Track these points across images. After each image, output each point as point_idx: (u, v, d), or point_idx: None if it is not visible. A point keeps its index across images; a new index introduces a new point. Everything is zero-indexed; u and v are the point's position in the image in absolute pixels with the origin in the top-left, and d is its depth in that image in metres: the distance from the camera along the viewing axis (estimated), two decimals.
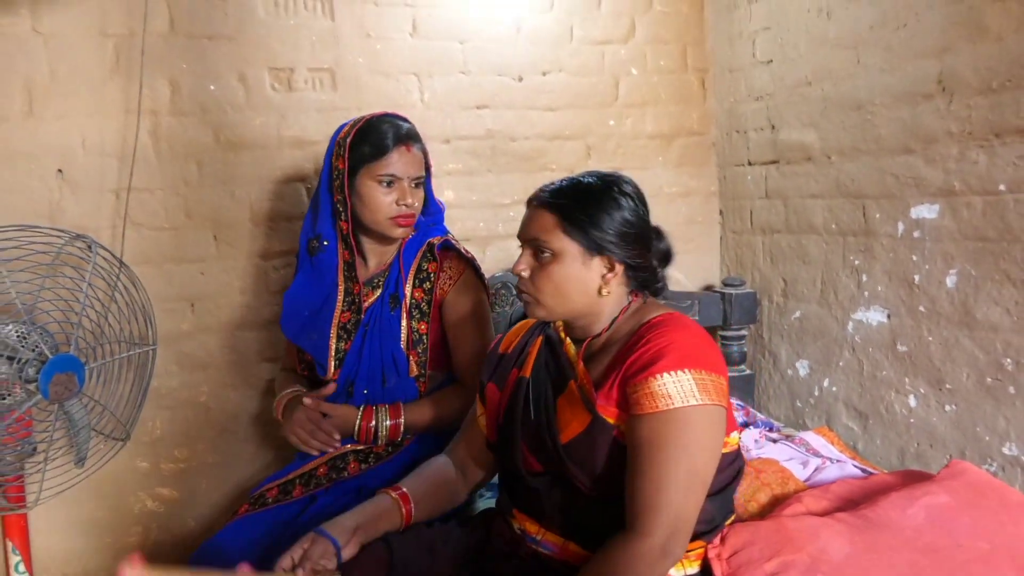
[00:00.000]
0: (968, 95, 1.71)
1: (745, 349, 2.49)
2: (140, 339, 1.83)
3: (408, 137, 1.68)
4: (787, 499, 1.53)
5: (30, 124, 1.94)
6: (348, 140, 1.66)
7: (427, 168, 1.75)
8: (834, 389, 2.18)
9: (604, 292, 1.31)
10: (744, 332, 2.48)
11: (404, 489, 1.43)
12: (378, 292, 1.72)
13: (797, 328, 2.32)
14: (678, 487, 1.16)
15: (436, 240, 1.74)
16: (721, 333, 2.48)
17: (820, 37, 2.12)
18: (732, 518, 1.37)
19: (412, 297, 1.70)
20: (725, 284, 2.49)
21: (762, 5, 2.35)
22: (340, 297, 1.70)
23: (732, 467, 1.35)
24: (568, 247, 1.28)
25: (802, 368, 2.31)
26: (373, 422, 1.66)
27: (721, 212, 2.64)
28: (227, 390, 2.18)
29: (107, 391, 1.78)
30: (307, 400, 1.67)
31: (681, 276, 2.58)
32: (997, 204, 1.67)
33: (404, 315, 1.69)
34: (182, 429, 2.15)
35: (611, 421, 1.25)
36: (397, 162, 1.65)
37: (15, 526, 1.76)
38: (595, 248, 1.29)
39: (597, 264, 1.30)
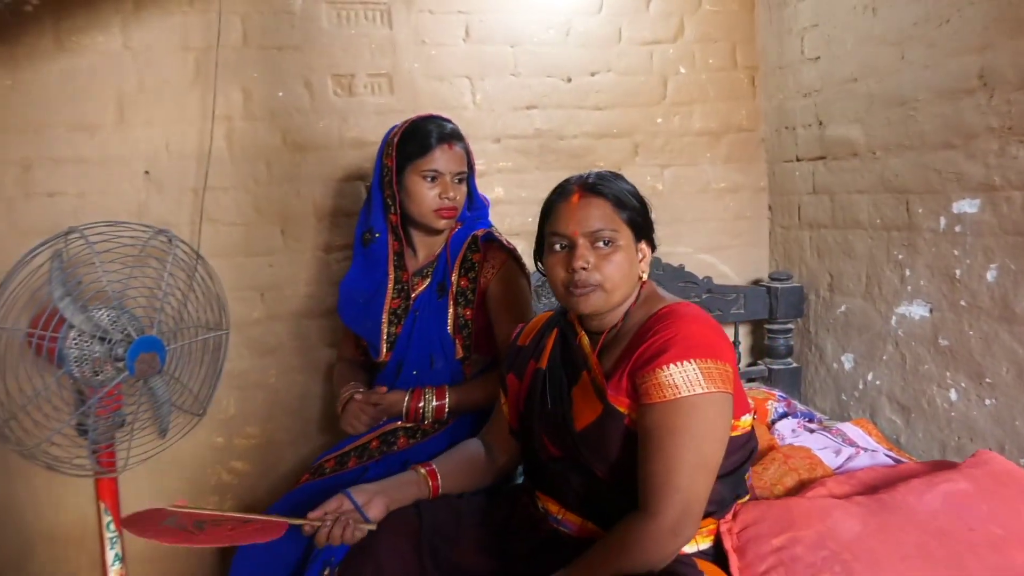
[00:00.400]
0: (1008, 91, 1.71)
1: (792, 343, 2.51)
2: (215, 325, 2.00)
3: (450, 136, 1.80)
4: (813, 483, 1.59)
5: (121, 131, 2.16)
6: (396, 140, 1.81)
7: (470, 166, 1.86)
8: (878, 383, 2.20)
9: (643, 276, 1.39)
10: (791, 326, 2.51)
11: (433, 465, 1.54)
12: (427, 281, 1.85)
13: (843, 322, 2.33)
14: (687, 471, 1.22)
15: (480, 233, 1.86)
16: (767, 327, 2.52)
17: (866, 34, 2.14)
18: (747, 498, 1.43)
19: (458, 285, 1.82)
20: (772, 278, 2.52)
21: (810, 2, 2.37)
22: (391, 285, 1.85)
23: (744, 449, 1.40)
24: (624, 232, 1.35)
25: (847, 362, 2.32)
26: (421, 403, 1.79)
27: (770, 207, 2.67)
28: (293, 373, 2.36)
29: (185, 370, 1.96)
30: (358, 396, 1.82)
31: (728, 270, 2.62)
32: None
33: (451, 302, 1.81)
34: (253, 408, 2.34)
35: (622, 410, 1.31)
36: (439, 159, 1.78)
37: (107, 489, 1.96)
38: (639, 232, 1.38)
39: (642, 248, 1.39)
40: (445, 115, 1.89)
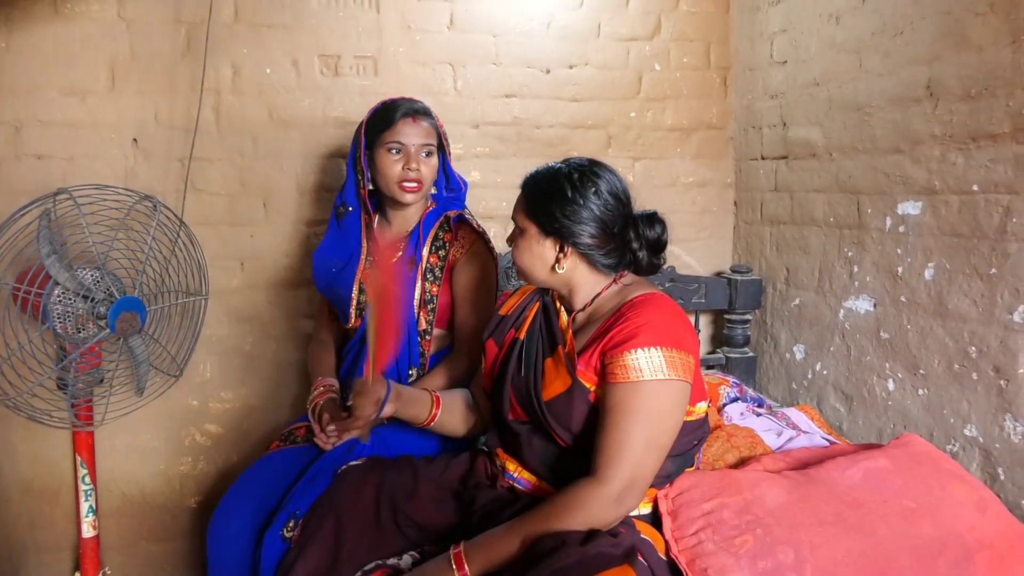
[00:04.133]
0: (951, 100, 1.83)
1: (749, 333, 2.63)
2: (195, 290, 2.09)
3: (415, 111, 1.89)
4: (751, 460, 1.70)
5: (112, 98, 2.23)
6: (367, 118, 1.91)
7: (442, 145, 1.95)
8: (825, 372, 2.32)
9: (558, 269, 1.49)
10: (749, 317, 2.63)
11: (439, 395, 1.69)
12: (398, 255, 1.94)
13: (796, 314, 2.46)
14: (638, 448, 1.33)
15: (453, 213, 1.95)
16: (727, 316, 2.64)
17: (829, 41, 2.25)
18: (690, 469, 1.55)
19: (428, 261, 1.92)
20: (733, 271, 2.64)
21: (781, 8, 2.48)
22: (363, 256, 1.94)
23: (696, 432, 1.51)
24: (529, 226, 1.50)
25: (799, 352, 2.45)
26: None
27: (735, 203, 2.79)
28: (270, 341, 2.44)
29: (164, 332, 2.05)
30: (330, 428, 1.80)
31: (692, 261, 2.73)
32: (970, 203, 1.79)
33: (419, 277, 1.91)
34: (229, 374, 2.43)
35: (588, 386, 1.42)
36: (403, 131, 1.86)
37: (84, 443, 2.05)
38: (547, 230, 1.48)
39: (550, 244, 1.48)
40: (426, 100, 1.98)
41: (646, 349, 1.35)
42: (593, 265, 1.50)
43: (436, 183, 1.99)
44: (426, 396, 1.68)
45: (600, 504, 1.31)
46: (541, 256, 1.50)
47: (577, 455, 1.45)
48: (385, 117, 1.88)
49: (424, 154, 1.89)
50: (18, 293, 1.81)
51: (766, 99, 2.57)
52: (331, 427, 1.80)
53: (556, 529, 1.30)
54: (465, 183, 2.07)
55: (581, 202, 1.45)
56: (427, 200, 1.99)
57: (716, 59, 2.71)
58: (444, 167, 1.98)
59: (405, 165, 1.86)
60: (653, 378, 1.34)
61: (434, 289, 1.91)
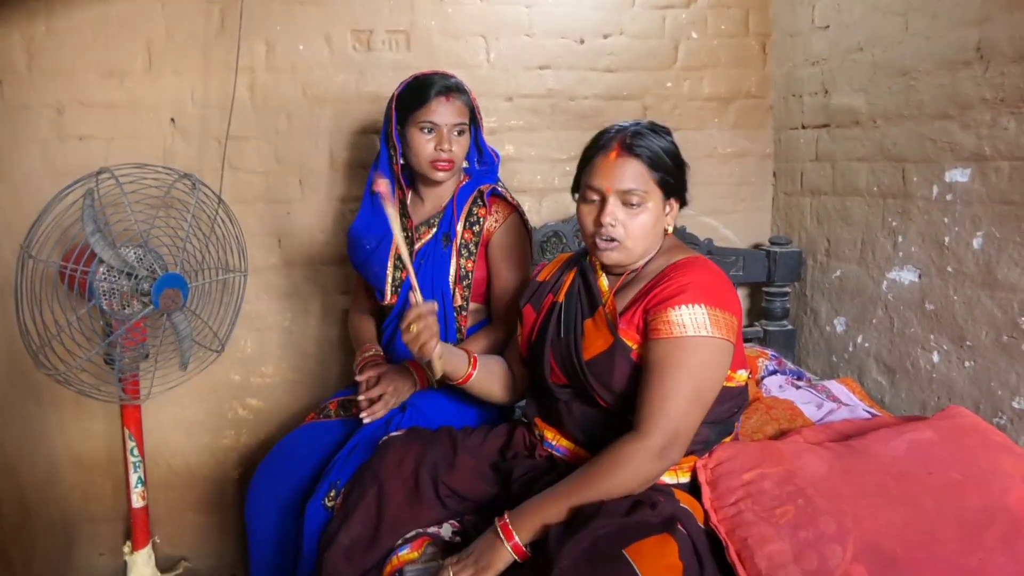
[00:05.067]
0: (1003, 63, 1.76)
1: (788, 305, 2.59)
2: (234, 267, 2.12)
3: (449, 89, 1.86)
4: (790, 432, 1.68)
5: (149, 78, 2.25)
6: (398, 93, 1.89)
7: (475, 120, 1.93)
8: (867, 345, 2.28)
9: (668, 230, 1.49)
10: (787, 289, 2.58)
11: (476, 355, 1.67)
12: (433, 231, 1.94)
13: (837, 287, 2.41)
14: (681, 402, 1.33)
15: (486, 188, 1.94)
16: (765, 289, 2.60)
17: (873, 3, 2.18)
18: (730, 438, 1.54)
19: (462, 237, 1.91)
20: (772, 243, 2.59)
21: None
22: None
23: (735, 401, 1.51)
24: (655, 193, 1.43)
25: (839, 325, 2.40)
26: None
27: (774, 174, 2.73)
28: (308, 317, 2.47)
29: (206, 308, 2.08)
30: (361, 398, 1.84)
31: (730, 233, 2.69)
32: (1022, 169, 1.73)
33: (454, 253, 1.91)
34: (269, 349, 2.47)
35: (630, 344, 1.42)
36: (436, 110, 1.84)
37: (131, 417, 2.11)
38: (671, 191, 1.46)
39: (669, 205, 1.47)
40: (459, 73, 1.96)
41: (690, 306, 1.36)
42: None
43: (468, 157, 1.98)
44: (463, 353, 1.65)
45: (643, 459, 1.32)
46: (661, 223, 1.47)
47: (617, 418, 1.45)
48: (418, 94, 1.86)
49: (456, 133, 1.87)
50: (65, 271, 1.85)
51: (807, 66, 2.50)
52: (370, 374, 1.84)
53: (601, 487, 1.30)
54: (498, 156, 2.05)
55: (675, 146, 1.47)
56: (460, 174, 1.98)
57: (755, 25, 2.64)
58: (477, 141, 1.97)
59: (437, 145, 1.85)
60: (696, 334, 1.35)
61: (469, 265, 1.91)
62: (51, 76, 2.20)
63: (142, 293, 1.90)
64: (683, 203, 1.52)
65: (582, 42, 2.51)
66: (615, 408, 1.46)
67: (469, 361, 1.64)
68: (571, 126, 2.52)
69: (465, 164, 1.99)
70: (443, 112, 1.85)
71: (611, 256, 1.46)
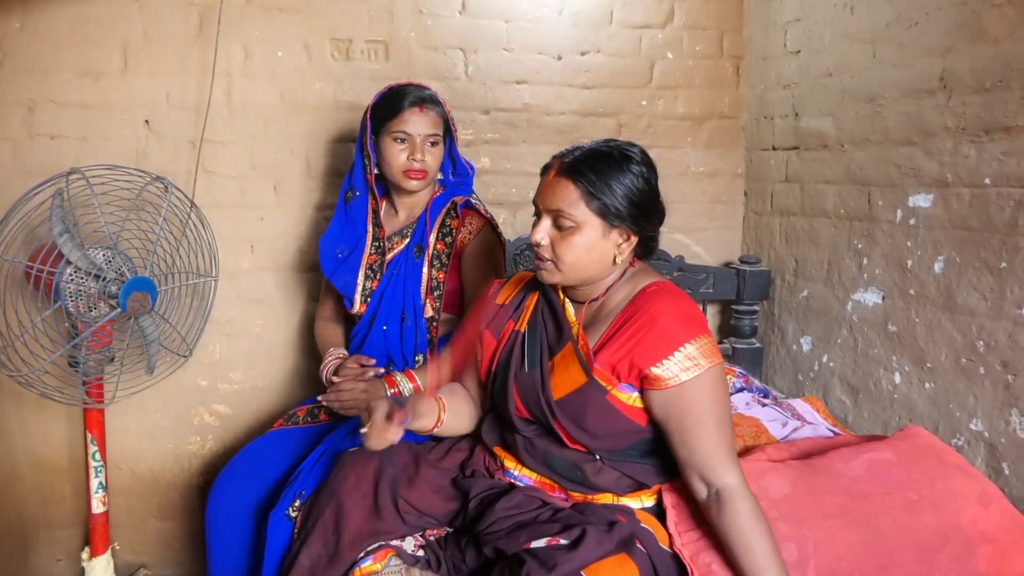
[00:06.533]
0: (965, 93, 1.82)
1: (756, 324, 2.63)
2: (205, 271, 2.10)
3: (422, 100, 1.88)
4: (755, 449, 1.71)
5: (124, 79, 2.24)
6: (373, 103, 1.91)
7: (449, 132, 1.95)
8: (831, 364, 2.32)
9: (618, 260, 1.40)
10: (756, 308, 2.62)
11: (445, 400, 1.59)
12: (406, 241, 1.95)
13: (804, 306, 2.45)
14: (714, 435, 1.33)
15: (460, 199, 1.95)
16: (734, 307, 2.63)
17: (843, 31, 2.24)
18: None
19: (435, 248, 1.92)
20: (742, 261, 2.63)
21: None
22: (368, 240, 1.95)
23: None
24: (590, 219, 1.35)
25: (805, 344, 2.45)
26: (396, 388, 1.85)
27: (746, 193, 2.78)
28: (279, 324, 2.46)
29: (175, 313, 2.07)
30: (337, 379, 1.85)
31: (701, 251, 2.73)
32: (982, 196, 1.78)
33: (426, 264, 1.91)
34: (238, 355, 2.45)
35: (605, 386, 1.39)
36: (409, 120, 1.86)
37: (94, 420, 2.07)
38: (615, 220, 1.35)
39: (615, 235, 1.38)
40: (436, 85, 1.98)
41: (683, 347, 1.34)
42: (635, 251, 1.44)
43: (443, 168, 1.99)
44: (432, 404, 1.57)
45: (747, 498, 1.30)
46: (602, 251, 1.38)
47: (578, 452, 1.44)
48: (392, 104, 1.88)
49: (429, 144, 1.89)
50: (31, 271, 1.83)
51: (779, 89, 2.55)
52: (337, 379, 1.83)
53: (762, 548, 1.26)
54: (472, 168, 2.06)
55: (636, 175, 1.35)
56: (434, 185, 2.00)
57: (729, 48, 2.69)
58: (451, 153, 1.98)
59: (410, 155, 1.87)
60: (700, 371, 1.33)
61: (441, 276, 1.91)
62: (24, 73, 2.17)
63: (110, 296, 1.88)
64: (644, 237, 1.42)
65: (559, 59, 2.54)
66: (584, 447, 1.43)
67: (437, 416, 1.57)
68: (547, 141, 2.55)
69: (440, 176, 2.00)
70: (416, 123, 1.87)
71: (544, 275, 1.42)
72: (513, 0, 2.48)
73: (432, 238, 1.92)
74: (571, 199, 1.35)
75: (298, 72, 2.35)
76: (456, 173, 2.01)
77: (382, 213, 1.99)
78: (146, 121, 2.27)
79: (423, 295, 1.91)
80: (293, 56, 2.35)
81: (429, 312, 1.91)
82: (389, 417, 1.38)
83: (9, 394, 2.27)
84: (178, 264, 2.05)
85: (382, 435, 1.39)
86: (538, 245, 1.39)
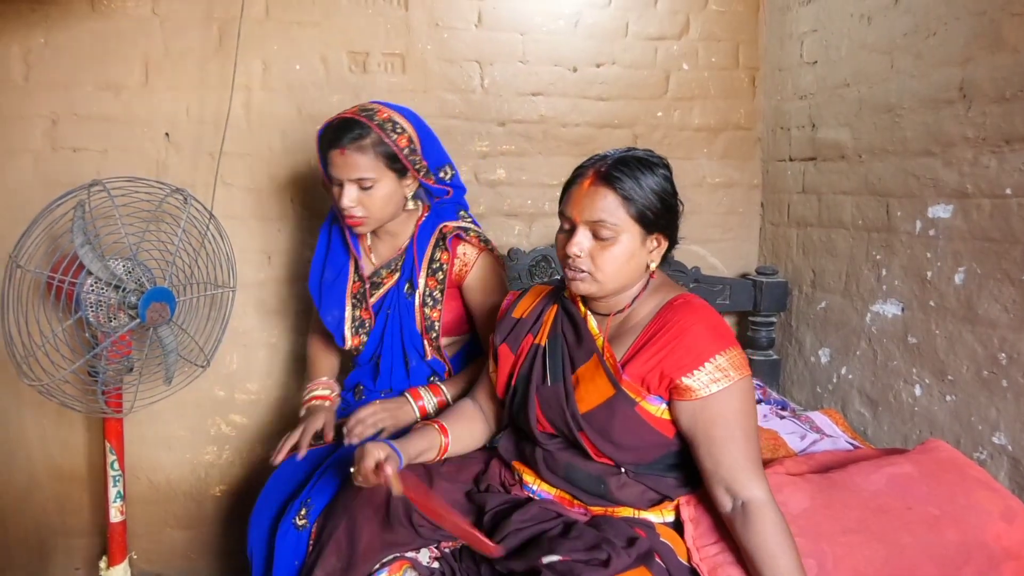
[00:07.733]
0: (985, 103, 1.80)
1: (774, 335, 2.61)
2: (223, 282, 2.12)
3: (340, 143, 1.67)
4: (773, 462, 1.69)
5: (145, 93, 2.27)
6: (317, 137, 1.77)
7: (400, 164, 1.74)
8: (850, 377, 2.30)
9: (651, 267, 1.42)
10: (774, 319, 2.60)
11: (446, 425, 1.60)
12: (396, 276, 1.87)
13: (822, 318, 2.43)
14: (742, 448, 1.33)
15: (448, 229, 1.84)
16: (751, 318, 2.62)
17: (860, 41, 2.23)
18: None
19: (426, 286, 1.85)
20: (758, 272, 2.62)
21: (812, 8, 2.46)
22: (351, 268, 1.90)
23: None
24: (629, 226, 1.35)
25: (824, 356, 2.42)
26: (422, 400, 1.83)
27: (762, 204, 2.76)
28: (295, 335, 2.47)
29: (193, 323, 2.08)
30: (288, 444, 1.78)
31: (717, 262, 2.72)
32: (1003, 207, 1.76)
33: (418, 304, 1.85)
34: (255, 366, 2.46)
35: (634, 397, 1.38)
36: (334, 163, 1.70)
37: (113, 430, 2.09)
38: (651, 226, 1.37)
39: (650, 242, 1.39)
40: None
41: (711, 360, 1.34)
42: (664, 260, 1.46)
43: (416, 195, 1.85)
44: (434, 435, 1.57)
45: (774, 510, 1.30)
46: (640, 258, 1.39)
47: (602, 465, 1.44)
48: (321, 144, 1.72)
49: (359, 188, 1.70)
50: (52, 282, 1.85)
51: (795, 100, 2.54)
52: (291, 444, 1.77)
53: (788, 560, 1.25)
54: (457, 187, 1.91)
55: (666, 181, 1.39)
56: (418, 208, 1.88)
57: (745, 59, 2.69)
58: (419, 182, 1.82)
59: (338, 200, 1.72)
60: (729, 383, 1.34)
61: (435, 315, 1.86)
62: (47, 88, 2.21)
63: (129, 306, 1.90)
64: (673, 240, 1.45)
65: (575, 70, 2.55)
66: (611, 460, 1.43)
67: (439, 448, 1.58)
68: (562, 152, 2.55)
69: (412, 205, 1.86)
70: (340, 166, 1.69)
71: (580, 287, 1.40)
72: (529, 13, 2.50)
73: (422, 280, 1.84)
74: (611, 207, 1.35)
75: (315, 85, 2.38)
76: (434, 196, 1.90)
77: (368, 243, 1.91)
78: (166, 134, 2.30)
79: (420, 335, 1.86)
80: (310, 69, 2.37)
81: (429, 354, 1.88)
82: (377, 467, 1.38)
83: (29, 404, 2.29)
84: (196, 275, 2.07)
85: (368, 482, 1.40)
86: (577, 257, 1.38)
